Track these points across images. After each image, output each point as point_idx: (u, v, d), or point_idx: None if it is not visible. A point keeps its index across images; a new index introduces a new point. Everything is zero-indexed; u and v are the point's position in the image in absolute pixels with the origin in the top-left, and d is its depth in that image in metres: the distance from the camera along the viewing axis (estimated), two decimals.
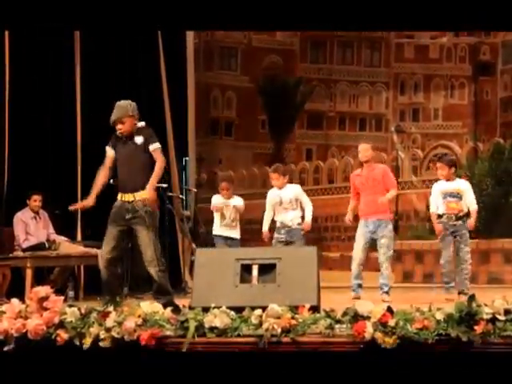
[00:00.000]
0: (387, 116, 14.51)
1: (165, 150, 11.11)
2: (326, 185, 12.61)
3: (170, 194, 10.06)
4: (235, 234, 8.59)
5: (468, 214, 8.10)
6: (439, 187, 8.17)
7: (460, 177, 11.46)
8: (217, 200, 8.64)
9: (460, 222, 8.02)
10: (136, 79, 10.96)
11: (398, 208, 11.35)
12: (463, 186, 8.20)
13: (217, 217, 8.63)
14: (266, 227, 8.45)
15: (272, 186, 8.47)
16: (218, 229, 8.64)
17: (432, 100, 14.24)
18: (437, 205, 8.13)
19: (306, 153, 14.47)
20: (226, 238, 8.52)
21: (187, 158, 12.33)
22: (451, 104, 14.03)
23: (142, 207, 6.60)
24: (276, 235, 8.37)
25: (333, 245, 9.04)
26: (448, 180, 8.11)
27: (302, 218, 8.37)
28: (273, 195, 8.46)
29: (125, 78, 10.73)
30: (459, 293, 7.85)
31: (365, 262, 8.09)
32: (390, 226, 8.17)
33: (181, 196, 11.13)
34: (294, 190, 8.45)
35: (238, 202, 8.65)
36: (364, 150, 8.22)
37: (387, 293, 7.91)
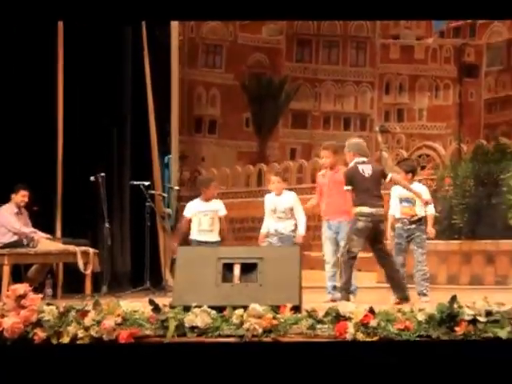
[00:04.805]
0: (372, 116, 14.53)
1: (147, 147, 11.16)
2: (310, 184, 12.57)
3: (152, 191, 10.03)
4: (212, 237, 8.54)
5: (423, 219, 8.19)
6: (397, 192, 8.25)
7: (443, 179, 11.55)
8: (194, 207, 8.64)
9: (414, 225, 8.10)
10: (120, 75, 10.92)
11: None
12: (418, 191, 8.25)
13: (194, 222, 8.60)
14: (264, 230, 8.47)
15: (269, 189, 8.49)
16: (194, 233, 8.60)
17: (417, 100, 14.26)
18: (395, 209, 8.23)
19: (289, 152, 14.46)
20: (202, 243, 8.46)
21: (170, 156, 12.30)
22: (436, 105, 14.06)
23: None
24: (268, 240, 8.37)
25: (315, 244, 9.01)
26: None
27: (295, 225, 8.38)
28: (269, 201, 8.43)
29: (109, 74, 10.69)
30: (418, 294, 7.93)
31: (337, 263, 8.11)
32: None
33: (163, 194, 11.10)
34: (290, 199, 8.40)
35: (217, 207, 8.62)
36: None
37: (353, 293, 7.91)
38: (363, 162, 7.73)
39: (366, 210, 7.53)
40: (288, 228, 8.33)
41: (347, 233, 7.74)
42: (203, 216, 8.57)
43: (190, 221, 8.65)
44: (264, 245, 8.32)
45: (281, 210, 8.33)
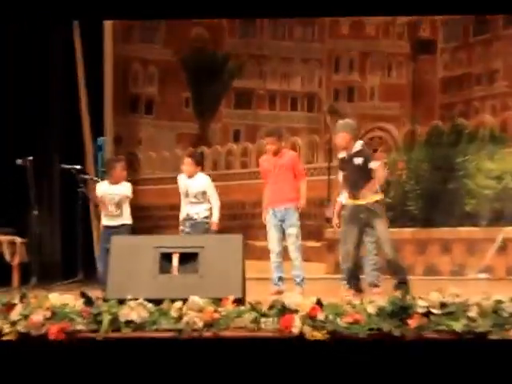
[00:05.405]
0: (320, 95, 14.56)
1: (79, 128, 11.06)
2: (255, 168, 12.60)
3: (84, 176, 9.95)
4: (121, 220, 8.53)
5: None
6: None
7: (396, 162, 11.68)
8: (101, 189, 8.67)
9: None
10: (48, 52, 10.79)
11: (331, 193, 11.40)
12: None
13: (101, 206, 8.64)
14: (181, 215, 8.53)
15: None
16: (102, 218, 8.63)
17: (368, 79, 14.29)
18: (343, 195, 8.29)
19: (233, 134, 14.44)
20: (111, 228, 8.45)
21: (104, 138, 12.20)
22: (389, 84, 14.11)
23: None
24: (181, 227, 8.41)
25: (262, 233, 9.02)
26: None
27: (210, 210, 8.42)
28: (181, 183, 8.50)
29: (36, 51, 10.57)
30: (369, 285, 8.11)
31: (283, 252, 8.16)
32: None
33: (95, 179, 11.00)
34: (203, 183, 8.46)
35: (124, 190, 8.59)
36: None
37: (300, 284, 7.99)
38: None
39: None
40: (201, 214, 8.41)
41: (382, 220, 7.82)
42: (109, 200, 8.58)
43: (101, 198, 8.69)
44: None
45: (192, 193, 8.41)
